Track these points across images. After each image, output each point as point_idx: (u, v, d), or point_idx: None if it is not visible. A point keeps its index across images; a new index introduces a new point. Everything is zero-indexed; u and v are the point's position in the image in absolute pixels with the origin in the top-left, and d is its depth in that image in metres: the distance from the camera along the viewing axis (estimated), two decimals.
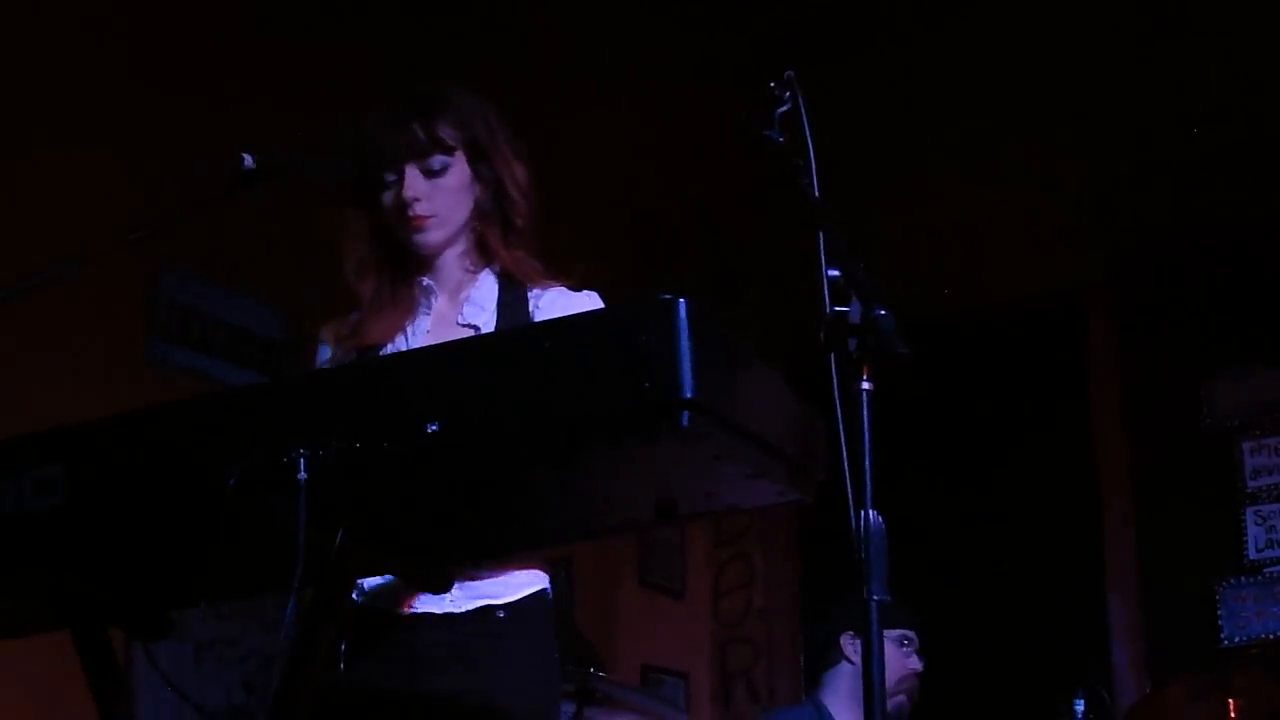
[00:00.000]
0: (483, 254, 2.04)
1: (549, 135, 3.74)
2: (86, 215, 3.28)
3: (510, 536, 1.71)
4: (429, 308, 2.04)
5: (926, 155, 4.79)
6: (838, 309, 1.62)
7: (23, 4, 3.43)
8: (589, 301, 2.02)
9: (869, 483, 1.59)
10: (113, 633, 1.75)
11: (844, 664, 3.39)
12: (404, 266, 2.04)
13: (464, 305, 2.03)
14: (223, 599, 1.74)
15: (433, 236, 2.01)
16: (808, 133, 1.73)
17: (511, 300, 2.02)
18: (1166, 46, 4.45)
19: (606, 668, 3.47)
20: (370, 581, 1.93)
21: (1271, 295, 4.49)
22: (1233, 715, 2.96)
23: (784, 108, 1.74)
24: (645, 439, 1.35)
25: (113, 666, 1.75)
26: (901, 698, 3.41)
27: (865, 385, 1.61)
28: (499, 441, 1.37)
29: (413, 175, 1.98)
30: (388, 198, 2.00)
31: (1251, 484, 4.48)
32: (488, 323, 2.01)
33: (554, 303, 2.01)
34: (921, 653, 3.47)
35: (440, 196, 1.99)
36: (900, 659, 3.39)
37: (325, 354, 2.07)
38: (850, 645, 3.37)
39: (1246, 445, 4.47)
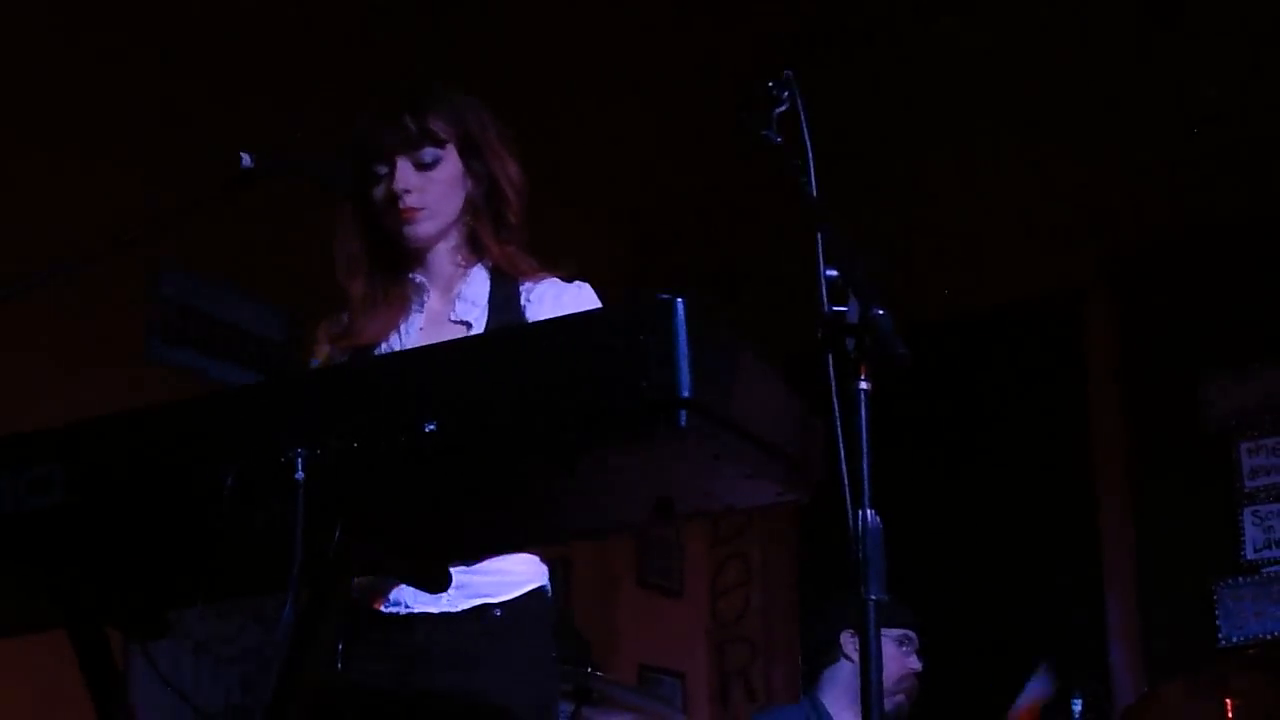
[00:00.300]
0: (474, 249, 2.04)
1: (548, 133, 3.75)
2: (86, 215, 3.28)
3: (508, 536, 1.71)
4: (421, 304, 2.04)
5: (925, 155, 4.79)
6: (836, 309, 1.62)
7: (23, 3, 3.43)
8: (580, 293, 2.02)
9: (867, 482, 1.59)
10: (110, 632, 1.75)
11: (843, 662, 3.39)
12: (395, 263, 2.04)
13: (456, 301, 2.03)
14: (220, 599, 1.74)
15: (423, 229, 2.01)
16: (806, 133, 1.73)
17: (503, 295, 2.02)
18: (1165, 46, 4.45)
19: (604, 667, 3.47)
20: (364, 581, 1.93)
21: (1270, 296, 4.49)
22: (1230, 715, 2.96)
23: (782, 108, 1.74)
24: (643, 438, 1.35)
25: (110, 666, 1.74)
26: (900, 698, 3.41)
27: (863, 385, 1.61)
28: (497, 441, 1.37)
29: (404, 167, 1.98)
30: (379, 191, 2.00)
31: (1249, 484, 4.48)
32: (480, 318, 2.01)
33: (545, 294, 2.01)
34: (920, 652, 3.47)
35: (431, 189, 1.99)
36: (900, 659, 3.39)
37: (322, 353, 2.07)
38: (850, 644, 3.37)
39: (1244, 446, 4.48)
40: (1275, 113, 4.41)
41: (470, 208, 2.03)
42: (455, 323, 2.02)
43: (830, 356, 1.62)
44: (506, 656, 1.93)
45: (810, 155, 1.73)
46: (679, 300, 1.32)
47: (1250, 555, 4.45)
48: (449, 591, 1.84)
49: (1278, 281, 4.50)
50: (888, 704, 3.35)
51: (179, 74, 3.66)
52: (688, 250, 5.04)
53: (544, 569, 2.02)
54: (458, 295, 2.03)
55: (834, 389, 1.61)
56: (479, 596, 1.93)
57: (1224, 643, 4.38)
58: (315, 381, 1.57)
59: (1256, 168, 4.48)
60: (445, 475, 1.43)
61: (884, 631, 3.32)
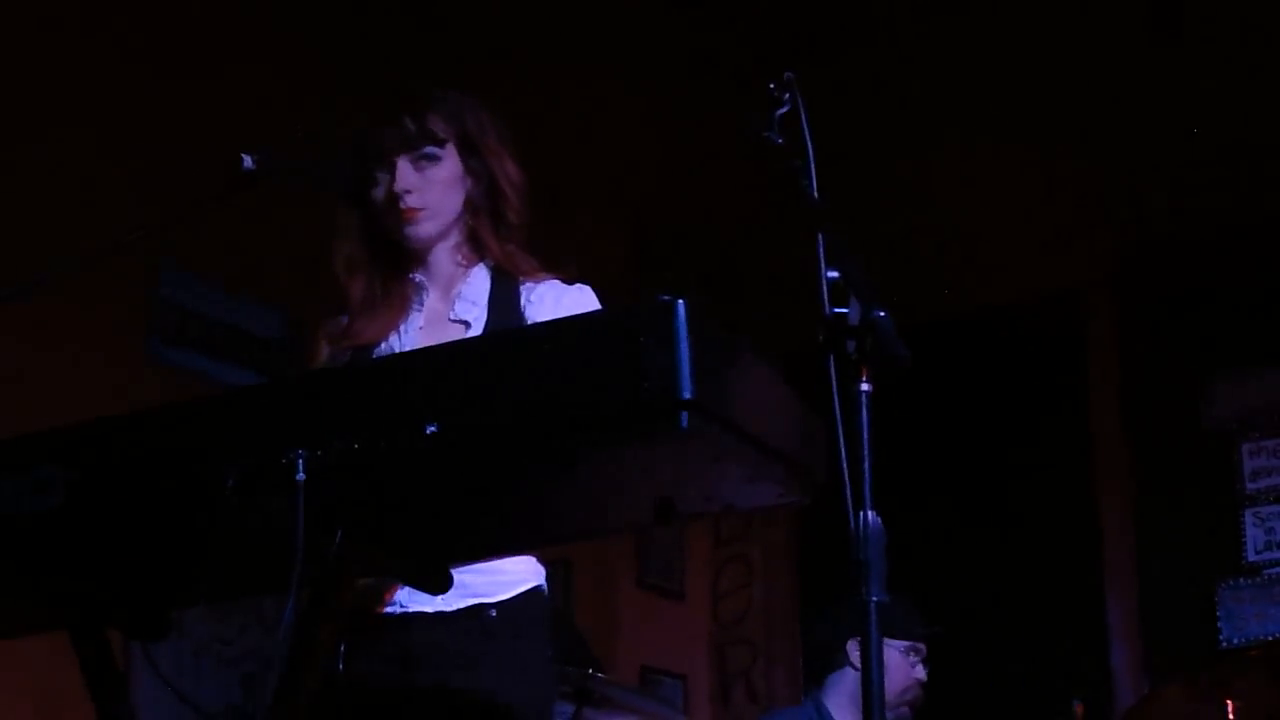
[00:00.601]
0: (475, 248, 2.04)
1: (548, 133, 3.74)
2: (86, 215, 3.28)
3: (509, 536, 1.71)
4: (421, 304, 2.04)
5: (926, 156, 4.79)
6: (837, 310, 1.62)
7: (23, 3, 3.43)
8: (581, 295, 2.02)
9: (868, 484, 1.59)
10: (111, 633, 1.75)
11: (848, 669, 3.39)
12: (395, 263, 2.04)
13: (456, 301, 2.03)
14: (221, 599, 1.74)
15: (424, 229, 2.01)
16: (807, 134, 1.73)
17: (504, 295, 2.02)
18: (1167, 47, 4.45)
19: (605, 668, 3.47)
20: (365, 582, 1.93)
21: (1271, 297, 4.49)
22: (1231, 717, 2.96)
23: (783, 109, 1.74)
24: (644, 440, 1.35)
25: (111, 667, 1.74)
26: (904, 709, 3.41)
27: (864, 386, 1.61)
28: (498, 442, 1.37)
29: (404, 168, 1.98)
30: (379, 191, 2.00)
31: (1250, 486, 4.48)
32: (480, 318, 2.01)
33: (546, 296, 2.01)
34: (925, 659, 3.47)
35: (431, 189, 1.99)
36: (906, 669, 3.39)
37: (322, 355, 2.07)
38: (857, 651, 3.36)
39: (1246, 447, 4.48)
40: (1276, 115, 4.41)
41: (470, 207, 2.03)
42: (455, 322, 2.02)
43: (831, 358, 1.62)
44: (501, 656, 1.93)
45: (811, 156, 1.73)
46: (680, 302, 1.32)
47: (1252, 557, 4.45)
48: None
49: (1278, 283, 4.50)
50: (892, 715, 3.34)
51: (179, 74, 3.66)
52: (688, 250, 5.04)
53: (541, 569, 2.02)
54: (458, 295, 2.04)
55: (835, 390, 1.61)
56: (474, 596, 1.93)
57: (1225, 644, 4.38)
58: (316, 382, 1.57)
59: (1258, 169, 4.48)
60: (446, 476, 1.43)
61: (891, 642, 3.36)
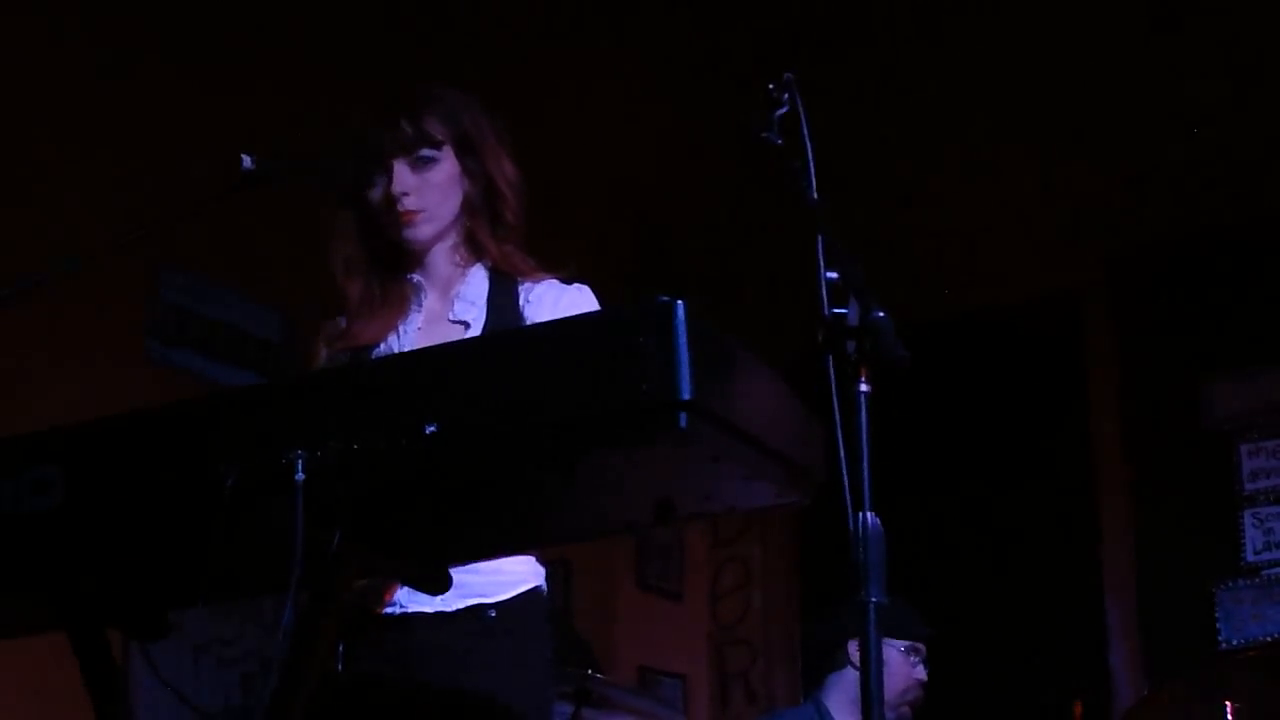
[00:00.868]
0: (472, 249, 2.04)
1: (548, 133, 3.75)
2: (86, 215, 3.28)
3: (508, 537, 1.71)
4: (419, 305, 2.04)
5: (924, 156, 4.79)
6: (836, 311, 1.62)
7: (24, 2, 3.43)
8: (580, 295, 2.02)
9: (867, 484, 1.59)
10: (110, 633, 1.75)
11: (850, 669, 3.39)
12: (393, 264, 2.04)
13: (455, 301, 2.03)
14: (221, 600, 1.74)
15: (422, 231, 2.01)
16: (806, 135, 1.74)
17: (502, 295, 2.02)
18: (1164, 47, 4.45)
19: (604, 669, 3.48)
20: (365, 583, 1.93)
21: (1269, 297, 4.49)
22: (1230, 718, 2.96)
23: (782, 110, 1.75)
24: (643, 441, 1.35)
25: (110, 667, 1.75)
26: (905, 709, 3.41)
27: (863, 387, 1.61)
28: (497, 443, 1.37)
29: (401, 170, 1.98)
30: (376, 194, 2.00)
31: (1249, 486, 4.48)
32: (478, 318, 2.01)
33: (544, 296, 2.01)
34: (925, 660, 3.47)
35: (428, 191, 1.99)
36: (906, 669, 3.40)
37: (321, 356, 2.07)
38: (858, 651, 3.36)
39: (1244, 448, 4.47)
40: (1276, 115, 4.41)
41: (468, 208, 2.03)
42: (454, 323, 2.02)
43: (830, 359, 1.62)
44: (500, 656, 1.93)
45: (811, 157, 1.73)
46: (679, 303, 1.33)
47: (1250, 558, 4.44)
48: None
49: (1277, 284, 4.50)
50: (892, 715, 3.35)
51: (179, 74, 3.66)
52: (688, 251, 5.04)
53: (541, 569, 2.02)
54: (456, 295, 2.03)
55: (834, 391, 1.61)
56: (473, 596, 1.93)
57: (1224, 645, 4.37)
58: (315, 383, 1.58)
59: (1256, 170, 4.48)
60: (445, 477, 1.43)
61: (892, 642, 3.36)
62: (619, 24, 4.34)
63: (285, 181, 1.93)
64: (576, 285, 2.04)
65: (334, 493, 1.41)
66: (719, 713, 5.17)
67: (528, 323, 1.99)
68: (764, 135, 1.74)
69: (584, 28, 4.31)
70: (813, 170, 1.73)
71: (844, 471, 1.59)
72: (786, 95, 1.75)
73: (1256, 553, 4.43)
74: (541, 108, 4.12)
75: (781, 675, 5.16)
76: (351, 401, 1.43)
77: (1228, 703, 2.98)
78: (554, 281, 2.03)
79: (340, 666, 1.87)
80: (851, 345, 1.61)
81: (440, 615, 1.92)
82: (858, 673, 3.45)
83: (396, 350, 2.00)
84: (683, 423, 1.31)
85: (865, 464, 1.59)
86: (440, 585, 1.68)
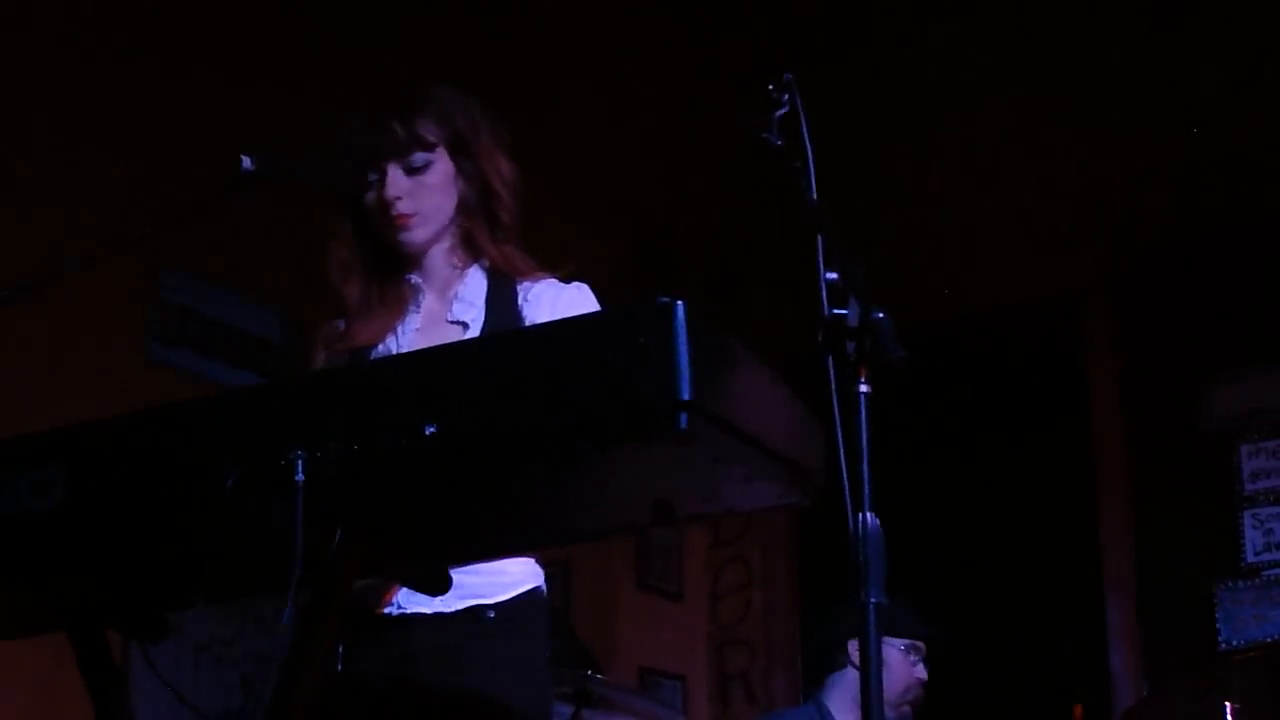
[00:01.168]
0: (470, 250, 2.04)
1: (547, 134, 3.75)
2: (86, 216, 3.28)
3: (508, 538, 1.71)
4: (418, 306, 2.04)
5: (924, 157, 4.80)
6: (836, 312, 1.63)
7: (24, 3, 3.43)
8: (579, 294, 2.02)
9: (867, 485, 1.59)
10: (111, 633, 1.75)
11: (850, 669, 3.39)
12: (390, 266, 2.04)
13: (453, 302, 2.03)
14: (221, 600, 1.74)
15: (417, 234, 2.00)
16: (806, 135, 1.74)
17: (501, 295, 2.02)
18: (1165, 48, 4.45)
19: (604, 669, 3.48)
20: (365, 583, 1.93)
21: (1270, 298, 4.49)
22: (1230, 718, 2.96)
23: (782, 110, 1.75)
24: (643, 441, 1.35)
25: (110, 667, 1.75)
26: (905, 708, 3.42)
27: (863, 388, 1.61)
28: (497, 443, 1.37)
29: (394, 174, 1.98)
30: (370, 197, 2.00)
31: (1249, 487, 4.48)
32: (477, 319, 2.01)
33: (543, 295, 2.01)
34: (925, 659, 3.47)
35: (423, 194, 1.99)
36: (907, 668, 3.40)
37: (321, 359, 2.07)
38: (859, 652, 3.36)
39: (1244, 448, 4.47)
40: (1276, 116, 4.41)
41: (464, 209, 2.03)
42: (452, 323, 2.02)
43: (830, 359, 1.62)
44: (499, 657, 1.93)
45: (810, 158, 1.73)
46: (679, 303, 1.33)
47: (1250, 558, 4.44)
48: None
49: (1278, 284, 4.50)
50: (893, 714, 3.35)
51: (179, 74, 3.67)
52: (687, 251, 5.05)
53: (539, 570, 2.02)
54: (455, 296, 2.03)
55: (834, 392, 1.61)
56: (472, 597, 1.92)
57: (1224, 646, 4.37)
58: (315, 383, 1.58)
59: (1256, 170, 4.48)
60: (445, 477, 1.43)
61: (891, 641, 3.36)
62: (618, 23, 4.34)
63: (285, 182, 1.92)
64: (575, 284, 2.03)
65: (334, 493, 1.41)
66: (719, 713, 5.17)
67: (527, 322, 1.99)
68: (764, 136, 1.74)
69: (584, 28, 4.32)
70: (812, 171, 1.73)
71: (844, 472, 1.59)
72: (786, 96, 1.75)
73: (1256, 553, 4.42)
74: (542, 107, 4.12)
75: (781, 675, 5.16)
76: (352, 402, 1.43)
77: (1227, 704, 2.98)
78: (552, 281, 2.03)
79: (340, 666, 1.87)
80: (851, 346, 1.61)
81: (439, 616, 1.92)
82: (858, 672, 3.47)
83: (395, 351, 2.00)
84: (683, 423, 1.31)
85: (865, 464, 1.59)
86: (440, 586, 1.68)
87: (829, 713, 3.42)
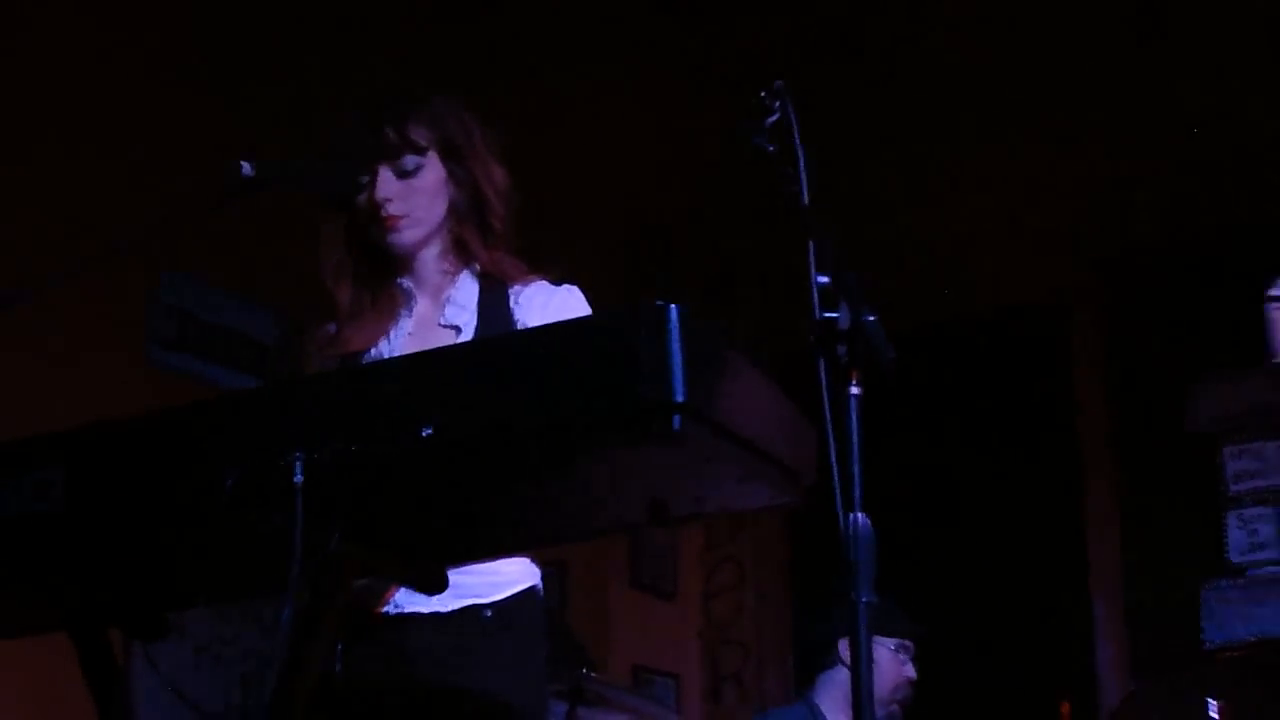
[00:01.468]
0: (461, 254, 2.04)
1: (544, 137, 3.76)
2: (86, 218, 3.29)
3: (504, 538, 1.72)
4: (410, 310, 2.05)
5: (912, 161, 4.81)
6: (827, 315, 1.65)
7: (25, 4, 3.44)
8: (570, 295, 2.03)
9: (858, 486, 1.62)
10: (111, 633, 1.76)
11: (841, 667, 3.41)
12: (382, 270, 2.05)
13: (445, 306, 2.03)
14: (220, 601, 1.75)
15: (406, 237, 2.01)
16: (797, 141, 1.76)
17: (492, 300, 2.02)
18: (1153, 53, 4.48)
19: (598, 668, 3.49)
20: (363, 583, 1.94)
21: (1254, 300, 4.52)
22: (1215, 717, 2.98)
23: (774, 117, 1.77)
24: (637, 442, 1.37)
25: (111, 667, 1.75)
26: (895, 707, 3.44)
27: (854, 390, 1.64)
28: (492, 445, 1.38)
29: (385, 176, 1.99)
30: (361, 199, 2.00)
31: (1234, 488, 4.50)
32: (469, 323, 2.01)
33: (534, 298, 2.02)
34: (914, 657, 3.49)
35: (413, 197, 2.00)
36: (896, 667, 3.42)
37: (314, 362, 2.07)
38: (849, 651, 3.38)
39: (1228, 450, 4.49)
40: (1262, 120, 4.44)
41: (455, 213, 2.03)
42: (444, 327, 2.02)
43: (822, 362, 1.64)
44: (496, 657, 1.94)
45: (802, 163, 1.75)
46: (673, 306, 1.34)
47: (1235, 558, 4.47)
48: None
49: (1261, 287, 4.53)
50: (883, 712, 3.36)
51: (180, 77, 3.67)
52: (683, 252, 5.06)
53: (536, 570, 2.03)
54: (447, 300, 2.04)
55: (825, 394, 1.63)
56: (469, 597, 1.94)
57: (1209, 645, 4.40)
58: (314, 386, 1.59)
59: (1243, 174, 4.51)
60: (442, 479, 1.45)
61: (881, 640, 3.38)
62: (615, 28, 4.35)
63: (285, 187, 1.94)
64: (566, 286, 2.04)
65: (332, 494, 1.42)
66: (712, 712, 5.19)
67: (519, 325, 2.00)
68: (755, 142, 1.76)
69: (582, 31, 4.33)
70: (804, 176, 1.75)
71: (835, 473, 1.62)
72: (778, 103, 1.77)
73: (1241, 553, 4.45)
74: (540, 110, 4.13)
75: (774, 674, 5.18)
76: (350, 405, 1.44)
77: (1212, 701, 3.00)
78: (543, 283, 2.04)
79: (339, 666, 1.89)
80: (842, 348, 1.63)
81: (436, 616, 1.93)
82: (849, 671, 3.49)
83: (387, 356, 2.01)
84: (676, 425, 1.32)
85: (856, 465, 1.61)
86: (437, 586, 1.69)
87: (820, 711, 3.44)
